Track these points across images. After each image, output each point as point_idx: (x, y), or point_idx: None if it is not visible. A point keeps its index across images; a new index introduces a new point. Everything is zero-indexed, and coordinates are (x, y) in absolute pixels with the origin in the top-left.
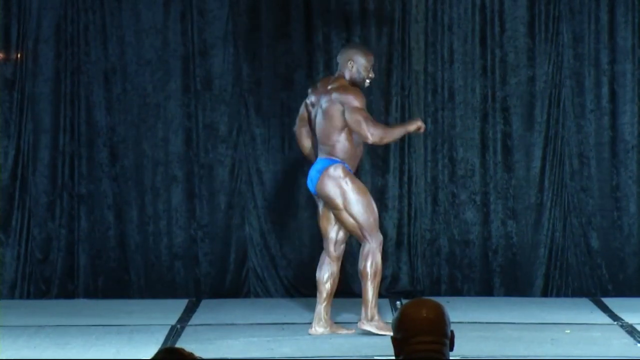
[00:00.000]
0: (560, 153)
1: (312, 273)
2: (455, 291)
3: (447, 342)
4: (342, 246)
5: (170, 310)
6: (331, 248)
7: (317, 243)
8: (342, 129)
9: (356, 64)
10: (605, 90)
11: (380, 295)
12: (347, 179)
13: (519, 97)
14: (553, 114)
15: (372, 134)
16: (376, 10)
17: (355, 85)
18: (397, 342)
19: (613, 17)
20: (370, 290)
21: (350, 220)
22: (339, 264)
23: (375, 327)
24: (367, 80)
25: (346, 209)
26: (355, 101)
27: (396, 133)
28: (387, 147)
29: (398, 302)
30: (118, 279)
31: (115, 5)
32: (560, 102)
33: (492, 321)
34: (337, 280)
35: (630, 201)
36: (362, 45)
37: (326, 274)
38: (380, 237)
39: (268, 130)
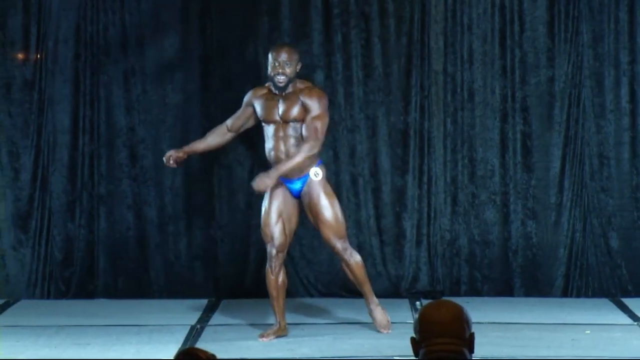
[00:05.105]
0: (580, 153)
1: (331, 273)
2: (475, 292)
3: (466, 343)
4: None
5: (190, 310)
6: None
7: None
8: None
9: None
10: (625, 90)
11: (400, 295)
12: None
13: (538, 97)
14: (573, 114)
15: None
16: (395, 10)
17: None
18: (416, 343)
19: (633, 17)
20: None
21: None
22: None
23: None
24: (275, 77)
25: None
26: None
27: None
28: (406, 147)
29: (418, 303)
30: (138, 279)
31: (134, 6)
32: (580, 102)
33: (512, 322)
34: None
35: None
36: (278, 42)
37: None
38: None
39: None
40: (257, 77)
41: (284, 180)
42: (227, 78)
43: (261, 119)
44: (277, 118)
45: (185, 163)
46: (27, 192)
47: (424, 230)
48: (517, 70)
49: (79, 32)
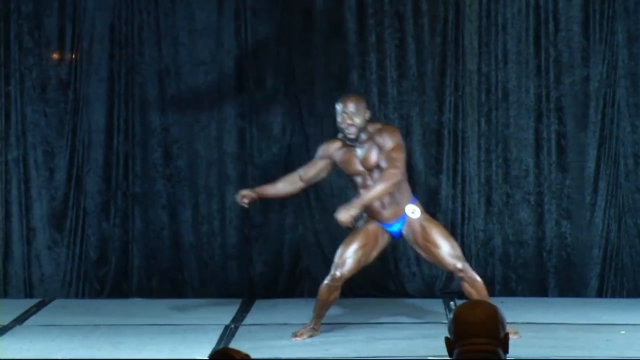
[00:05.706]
0: (615, 153)
1: (364, 273)
2: (509, 292)
3: (500, 343)
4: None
5: (224, 310)
6: None
7: None
8: None
9: None
10: None
11: (434, 295)
12: None
13: (573, 97)
14: (608, 113)
15: None
16: (429, 10)
17: None
18: (450, 343)
19: None
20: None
21: None
22: None
23: None
24: (345, 130)
25: None
26: None
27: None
28: (440, 147)
29: (452, 303)
30: (172, 278)
31: (169, 6)
32: (615, 102)
33: (546, 322)
34: None
35: None
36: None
37: None
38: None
39: (321, 130)
40: (291, 76)
41: (381, 223)
42: (261, 78)
43: (345, 173)
44: (360, 168)
45: (219, 163)
46: (62, 192)
47: (458, 230)
48: (551, 70)
49: (113, 32)
